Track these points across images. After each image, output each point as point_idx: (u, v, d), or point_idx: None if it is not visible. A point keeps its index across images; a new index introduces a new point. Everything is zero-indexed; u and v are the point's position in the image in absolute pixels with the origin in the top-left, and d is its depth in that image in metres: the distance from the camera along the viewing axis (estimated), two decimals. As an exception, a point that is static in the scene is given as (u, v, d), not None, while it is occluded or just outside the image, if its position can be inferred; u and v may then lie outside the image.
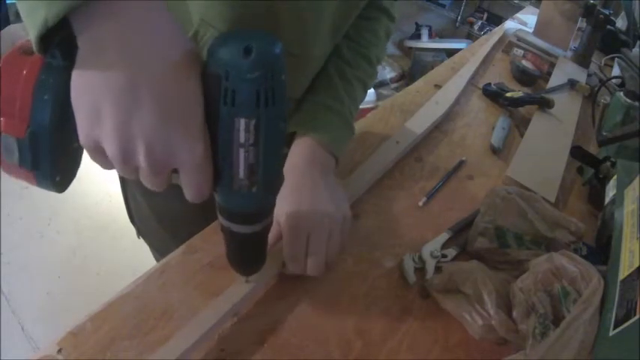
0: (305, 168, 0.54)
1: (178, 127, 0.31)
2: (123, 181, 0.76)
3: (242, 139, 0.32)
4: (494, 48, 1.18)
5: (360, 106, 0.67)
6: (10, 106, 0.30)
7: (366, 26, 0.66)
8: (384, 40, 0.70)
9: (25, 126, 0.31)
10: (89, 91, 0.30)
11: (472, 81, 1.01)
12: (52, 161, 0.32)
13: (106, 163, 0.33)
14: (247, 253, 0.43)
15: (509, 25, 1.39)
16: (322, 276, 0.51)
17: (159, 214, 0.74)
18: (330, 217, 0.51)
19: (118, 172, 0.33)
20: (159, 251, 0.83)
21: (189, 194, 0.34)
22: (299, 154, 0.56)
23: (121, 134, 0.30)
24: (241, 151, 0.33)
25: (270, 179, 0.36)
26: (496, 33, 1.30)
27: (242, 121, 0.32)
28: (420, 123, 0.80)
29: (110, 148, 0.31)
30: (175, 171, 0.33)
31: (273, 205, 0.39)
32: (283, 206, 0.50)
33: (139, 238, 0.83)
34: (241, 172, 0.33)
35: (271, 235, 0.51)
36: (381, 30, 0.68)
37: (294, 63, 0.55)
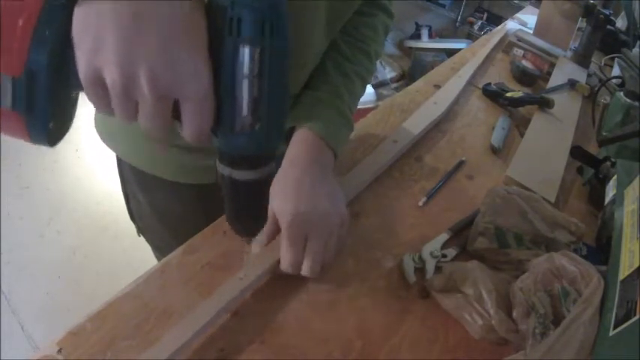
0: (305, 164, 0.54)
1: (183, 53, 0.31)
2: (123, 179, 0.76)
3: (246, 70, 0.32)
4: (494, 48, 1.19)
5: (360, 106, 0.67)
6: (7, 42, 0.30)
7: (365, 22, 0.66)
8: (383, 36, 0.70)
9: (22, 63, 0.30)
10: (93, 23, 0.30)
11: (472, 81, 1.01)
12: (48, 103, 0.31)
13: (104, 98, 0.32)
14: (248, 206, 0.41)
15: (510, 25, 1.39)
16: (319, 276, 0.51)
17: (159, 213, 0.74)
18: (329, 218, 0.51)
19: (116, 110, 0.32)
20: (159, 249, 0.83)
21: (189, 132, 0.33)
22: (298, 148, 0.56)
23: (123, 58, 0.30)
24: (245, 83, 0.33)
25: (274, 116, 0.35)
26: (496, 33, 1.30)
27: (247, 50, 0.32)
28: (418, 122, 0.79)
29: (111, 75, 0.30)
30: (176, 116, 0.33)
31: (276, 148, 0.38)
32: (283, 204, 0.50)
33: (139, 236, 0.83)
34: (245, 107, 0.33)
35: (268, 230, 0.51)
36: (379, 26, 0.68)
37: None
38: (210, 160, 0.66)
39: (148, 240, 0.83)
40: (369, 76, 0.67)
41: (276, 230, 0.51)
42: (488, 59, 1.14)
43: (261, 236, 0.51)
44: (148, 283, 0.50)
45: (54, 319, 1.54)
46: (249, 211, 0.42)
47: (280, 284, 0.52)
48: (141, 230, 0.82)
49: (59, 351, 0.42)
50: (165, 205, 0.73)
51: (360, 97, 0.66)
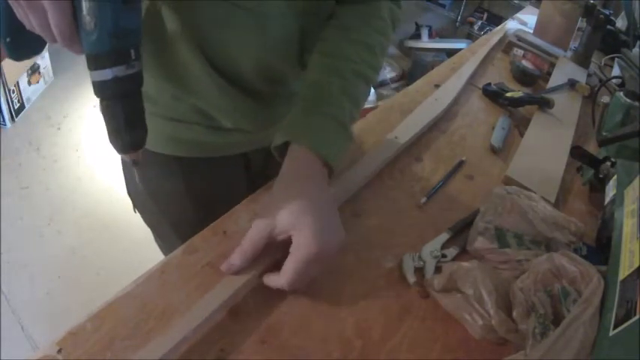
0: (313, 190, 0.52)
1: None
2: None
3: None
4: (494, 48, 1.19)
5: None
6: None
7: (367, 11, 0.62)
8: (390, 24, 0.65)
9: None
10: None
11: (472, 81, 1.01)
12: (3, 22, 0.45)
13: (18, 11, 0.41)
14: (115, 113, 0.44)
15: (510, 25, 1.39)
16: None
17: (149, 188, 0.77)
18: (332, 253, 0.50)
19: (25, 20, 0.41)
20: (152, 227, 0.86)
21: (55, 32, 0.40)
22: (298, 170, 0.53)
23: None
24: None
25: (105, 21, 0.40)
26: (496, 33, 1.30)
27: None
28: (418, 120, 0.80)
29: None
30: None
31: (122, 52, 0.42)
32: (301, 236, 0.48)
33: (135, 212, 0.85)
34: (84, 7, 0.39)
35: (256, 233, 0.49)
36: (385, 13, 0.63)
37: (245, 16, 0.55)
38: (191, 133, 0.68)
39: (142, 216, 0.85)
40: (374, 73, 0.62)
41: (266, 245, 0.49)
42: (488, 59, 1.14)
43: (245, 248, 0.49)
44: (147, 283, 0.50)
45: (54, 319, 1.54)
46: (118, 119, 0.45)
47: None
48: (136, 205, 0.84)
49: (59, 351, 0.42)
50: (154, 179, 0.75)
51: (366, 98, 0.62)
